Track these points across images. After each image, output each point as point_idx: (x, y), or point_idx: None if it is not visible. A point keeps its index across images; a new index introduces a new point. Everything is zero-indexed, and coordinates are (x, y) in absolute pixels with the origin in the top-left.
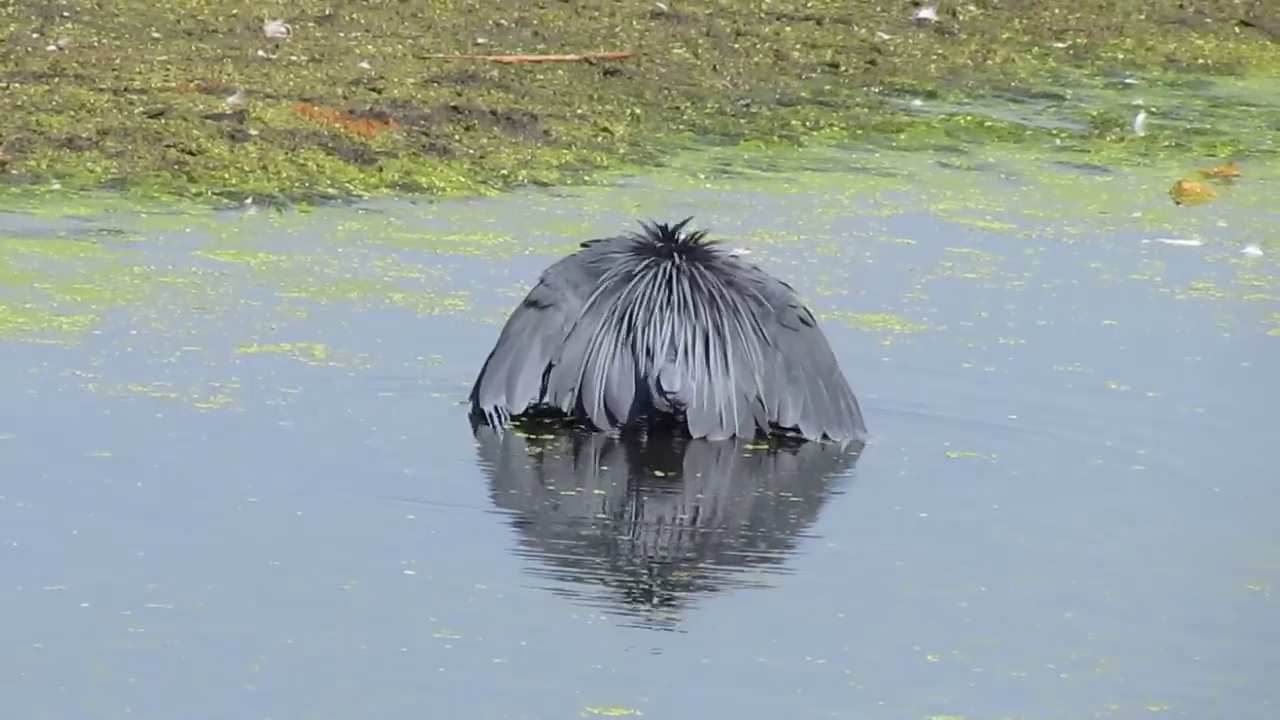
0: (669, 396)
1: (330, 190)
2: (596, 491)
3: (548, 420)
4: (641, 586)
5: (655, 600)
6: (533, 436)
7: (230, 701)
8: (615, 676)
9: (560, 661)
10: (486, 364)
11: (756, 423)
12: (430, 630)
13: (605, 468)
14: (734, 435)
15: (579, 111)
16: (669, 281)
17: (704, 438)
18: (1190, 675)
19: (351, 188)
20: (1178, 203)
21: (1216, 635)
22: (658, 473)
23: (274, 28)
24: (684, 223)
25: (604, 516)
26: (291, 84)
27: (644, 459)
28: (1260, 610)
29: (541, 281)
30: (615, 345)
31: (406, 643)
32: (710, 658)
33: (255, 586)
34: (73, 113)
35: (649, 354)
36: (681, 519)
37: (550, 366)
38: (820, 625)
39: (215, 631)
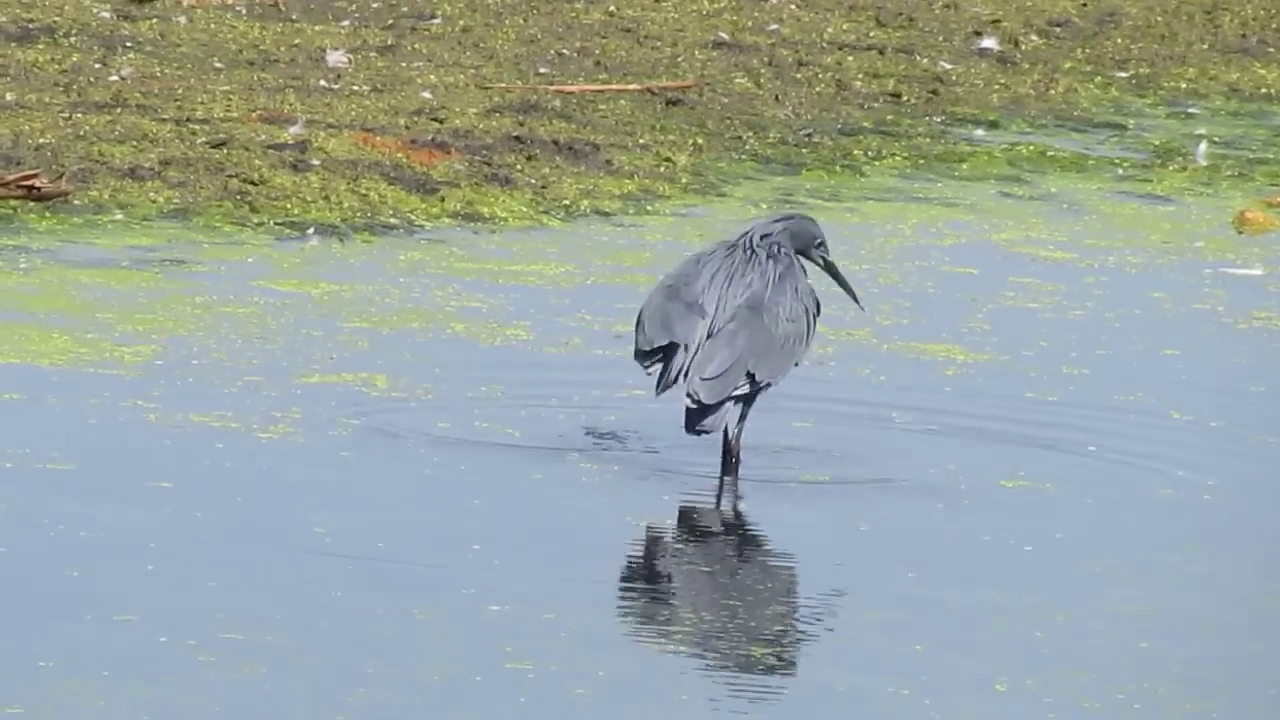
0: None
1: (392, 220)
2: (669, 524)
3: (604, 452)
4: (725, 623)
5: (741, 637)
6: (591, 465)
7: None
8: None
9: (642, 693)
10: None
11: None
12: (504, 660)
13: (683, 499)
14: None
15: (641, 141)
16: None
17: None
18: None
19: (413, 217)
20: (1240, 232)
21: None
22: (736, 508)
23: (336, 57)
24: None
25: (683, 550)
26: (353, 114)
27: (718, 495)
28: None
29: None
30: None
31: (482, 672)
32: (792, 686)
33: (324, 615)
34: (135, 143)
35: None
36: (756, 552)
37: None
38: (899, 656)
39: (287, 662)
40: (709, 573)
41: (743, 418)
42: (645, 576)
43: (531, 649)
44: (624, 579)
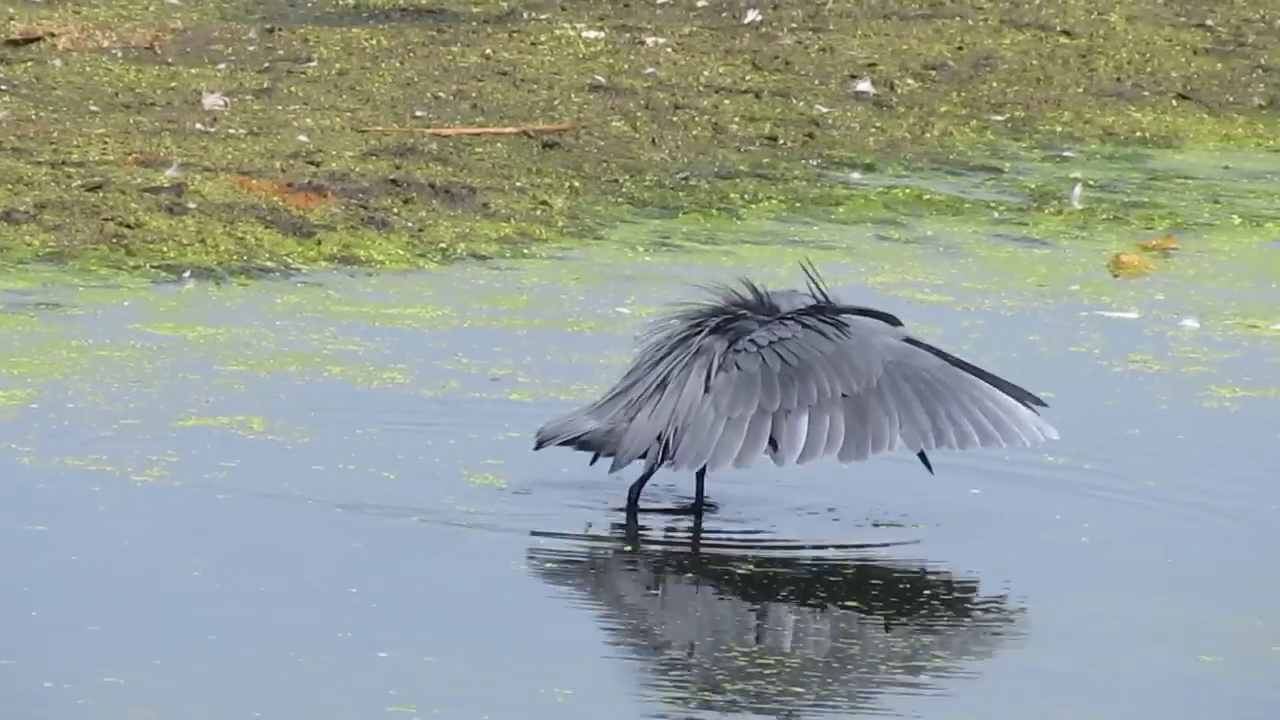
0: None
1: (269, 263)
2: (547, 567)
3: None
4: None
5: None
6: (467, 507)
7: None
8: None
9: None
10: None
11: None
12: (388, 703)
13: (561, 545)
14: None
15: (518, 184)
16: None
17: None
18: None
19: (290, 261)
20: (1116, 275)
21: None
22: (622, 550)
23: (212, 101)
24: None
25: (568, 592)
26: (230, 157)
27: (595, 540)
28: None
29: None
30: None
31: (368, 717)
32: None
33: (204, 661)
34: (10, 186)
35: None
36: (635, 596)
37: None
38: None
39: (168, 707)
40: (592, 615)
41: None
42: (525, 620)
43: (416, 693)
44: (502, 623)
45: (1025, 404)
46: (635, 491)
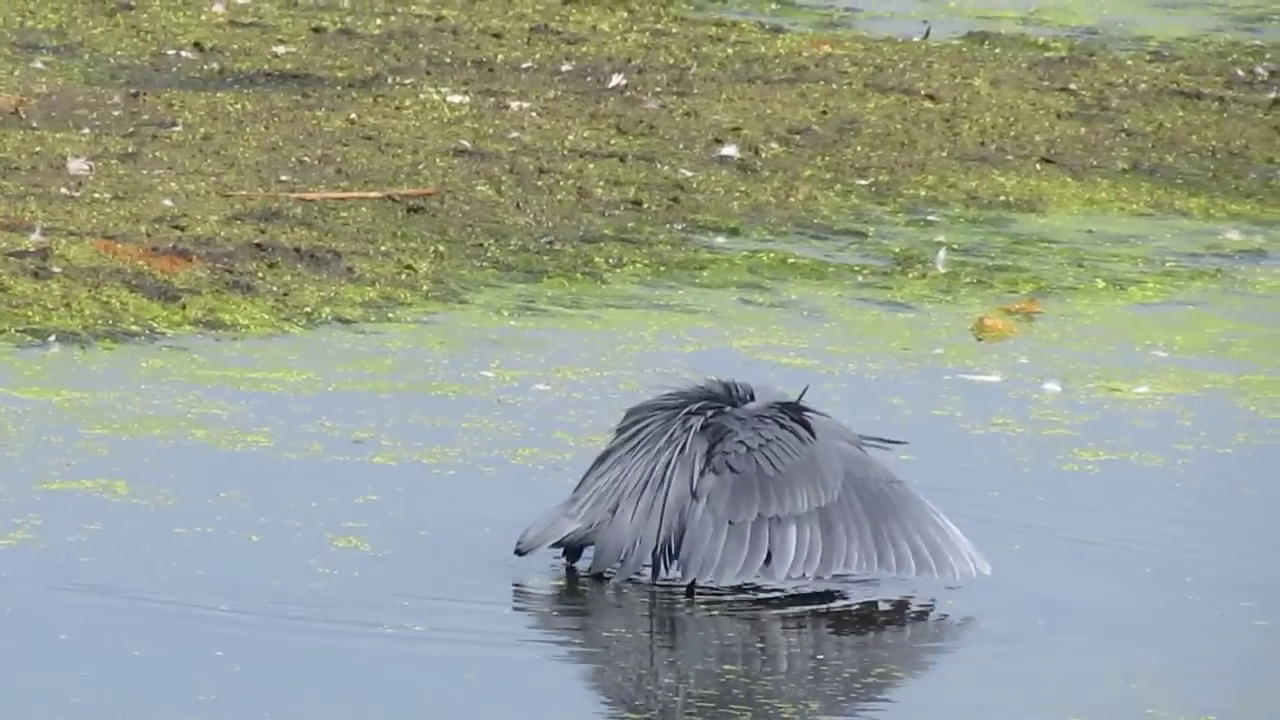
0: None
1: (134, 327)
2: (406, 624)
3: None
4: None
5: None
6: (328, 570)
7: None
8: None
9: None
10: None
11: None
12: None
13: (421, 599)
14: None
15: (382, 248)
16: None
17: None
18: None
19: (155, 325)
20: (979, 339)
21: None
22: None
23: (77, 165)
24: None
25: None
26: (95, 221)
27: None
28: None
29: None
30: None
31: None
32: None
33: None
34: None
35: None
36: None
37: None
38: None
39: None
40: (471, 680)
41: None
42: (391, 683)
43: None
44: (370, 703)
45: (965, 540)
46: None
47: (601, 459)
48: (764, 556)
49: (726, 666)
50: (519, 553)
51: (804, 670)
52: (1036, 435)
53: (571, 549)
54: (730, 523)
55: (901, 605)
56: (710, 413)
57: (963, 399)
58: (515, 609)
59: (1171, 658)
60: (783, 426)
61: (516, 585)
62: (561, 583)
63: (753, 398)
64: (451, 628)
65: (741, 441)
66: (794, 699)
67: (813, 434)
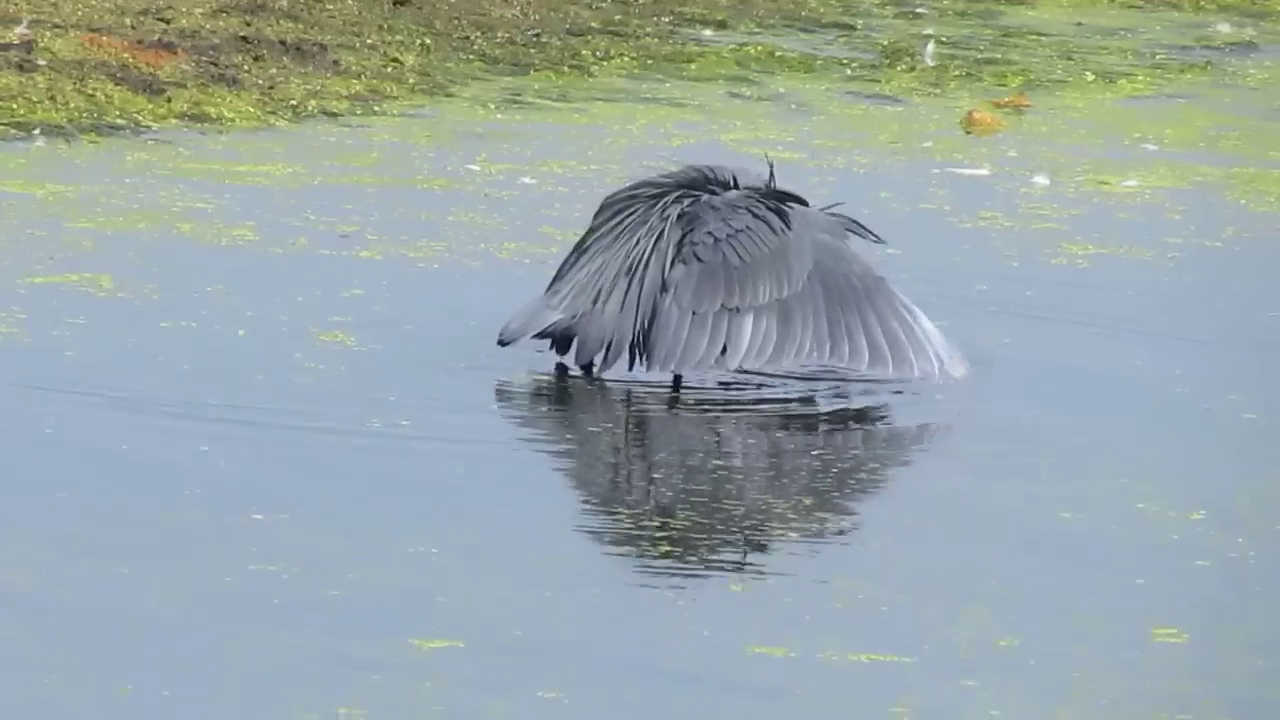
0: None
1: (119, 120)
2: (396, 440)
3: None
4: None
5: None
6: (315, 365)
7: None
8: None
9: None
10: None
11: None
12: (251, 562)
13: (414, 405)
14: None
15: (368, 42)
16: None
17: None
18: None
19: (140, 118)
20: (968, 133)
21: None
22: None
23: None
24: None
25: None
26: (79, 14)
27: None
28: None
29: None
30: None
31: (233, 575)
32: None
33: (50, 521)
34: None
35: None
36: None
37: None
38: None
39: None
40: (459, 464)
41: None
42: (382, 510)
43: (278, 553)
44: (356, 497)
45: (941, 339)
46: (590, 374)
47: (580, 248)
48: (720, 346)
49: (716, 462)
50: (501, 343)
51: (795, 467)
52: (1025, 229)
53: (558, 340)
54: (694, 313)
55: (890, 404)
56: (689, 201)
57: (951, 193)
58: (500, 405)
59: (1161, 453)
60: (756, 216)
61: (501, 381)
62: (545, 378)
63: (735, 184)
64: (439, 424)
65: (710, 232)
66: (786, 494)
67: (787, 224)
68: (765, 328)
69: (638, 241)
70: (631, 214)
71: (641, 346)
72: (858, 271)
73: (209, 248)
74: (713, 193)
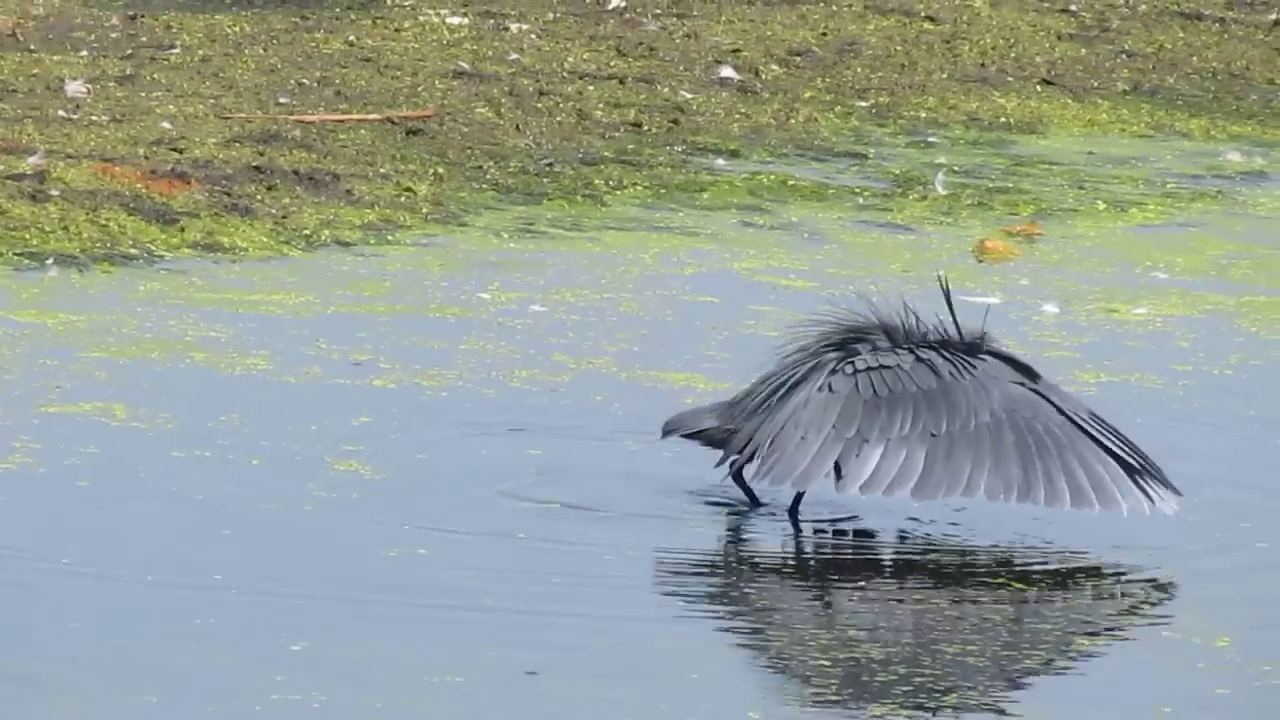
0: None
1: (132, 250)
2: (407, 545)
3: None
4: None
5: None
6: (327, 493)
7: None
8: None
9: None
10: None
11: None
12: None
13: (420, 522)
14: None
15: (382, 171)
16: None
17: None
18: None
19: (153, 248)
20: (980, 261)
21: None
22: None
23: (75, 87)
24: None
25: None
26: (93, 144)
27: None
28: None
29: None
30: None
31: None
32: None
33: (67, 643)
34: None
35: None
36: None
37: None
38: None
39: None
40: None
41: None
42: (404, 583)
43: (311, 634)
44: (380, 583)
45: (1149, 484)
46: (735, 472)
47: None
48: (826, 469)
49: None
50: (663, 436)
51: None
52: (1037, 356)
53: (709, 443)
54: (803, 437)
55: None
56: (859, 338)
57: (964, 321)
58: (511, 536)
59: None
60: (919, 359)
61: (524, 510)
62: (572, 508)
63: (924, 335)
64: (451, 551)
65: (851, 362)
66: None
67: (960, 371)
68: (905, 459)
69: (798, 365)
70: (804, 344)
71: (763, 461)
72: (1056, 421)
73: (222, 376)
74: (891, 336)
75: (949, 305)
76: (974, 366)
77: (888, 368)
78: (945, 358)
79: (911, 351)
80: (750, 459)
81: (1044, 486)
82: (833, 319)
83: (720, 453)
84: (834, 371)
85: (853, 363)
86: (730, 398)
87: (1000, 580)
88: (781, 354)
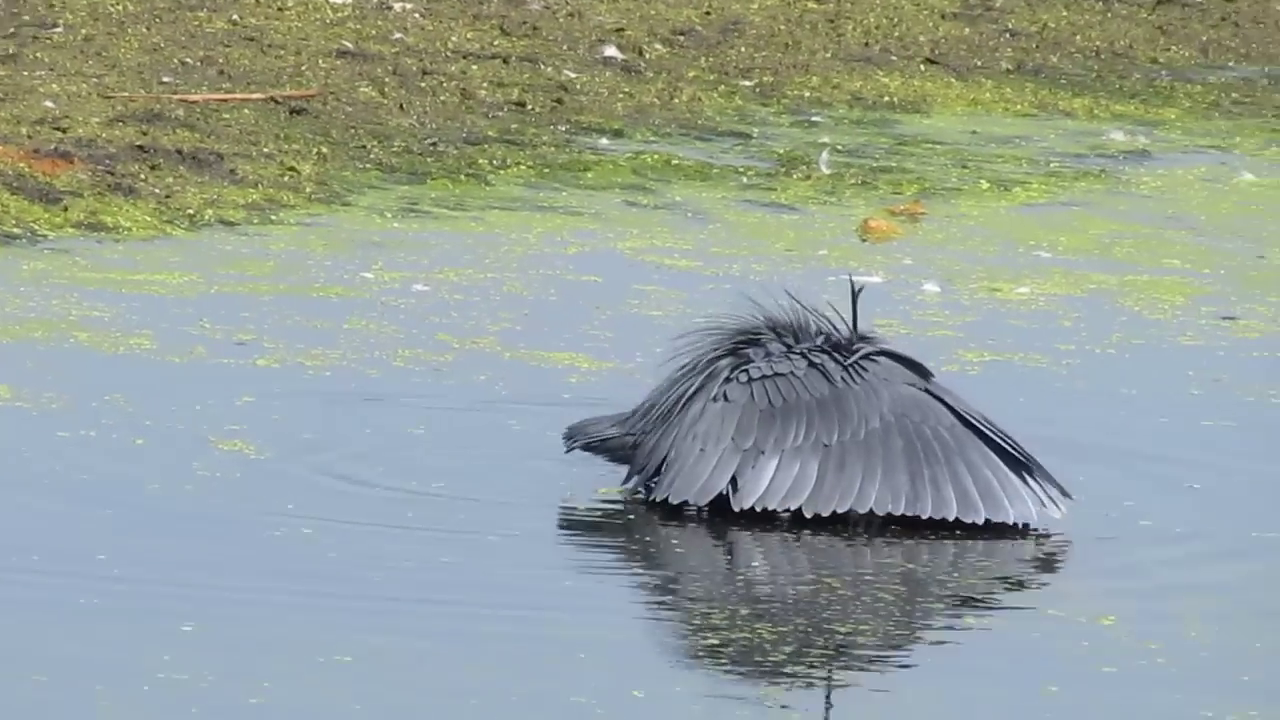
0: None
1: (15, 230)
2: (291, 523)
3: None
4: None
5: None
6: (211, 472)
7: None
8: None
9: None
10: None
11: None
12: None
13: (300, 500)
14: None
15: (265, 151)
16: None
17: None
18: None
19: (36, 227)
20: (864, 240)
21: None
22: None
23: None
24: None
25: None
26: None
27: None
28: None
29: None
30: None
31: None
32: None
33: None
34: None
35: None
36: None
37: None
38: None
39: None
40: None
41: None
42: (284, 569)
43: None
44: (260, 568)
45: (1039, 484)
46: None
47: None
48: (723, 484)
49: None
50: (567, 450)
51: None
52: (920, 335)
53: (610, 454)
54: (702, 450)
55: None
56: (753, 342)
57: (847, 300)
58: (399, 518)
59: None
60: (812, 365)
61: (409, 491)
62: (458, 488)
63: (816, 333)
64: (337, 532)
65: (745, 371)
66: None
67: (852, 376)
68: (799, 472)
69: (694, 374)
70: (703, 348)
71: (663, 475)
72: (946, 424)
73: (106, 356)
74: (782, 339)
75: (854, 309)
76: (865, 370)
77: (781, 375)
78: (837, 361)
79: (804, 356)
80: (656, 473)
81: (930, 495)
82: (720, 325)
83: (625, 469)
84: (728, 380)
85: (747, 370)
86: (631, 408)
87: (891, 560)
88: (674, 362)
